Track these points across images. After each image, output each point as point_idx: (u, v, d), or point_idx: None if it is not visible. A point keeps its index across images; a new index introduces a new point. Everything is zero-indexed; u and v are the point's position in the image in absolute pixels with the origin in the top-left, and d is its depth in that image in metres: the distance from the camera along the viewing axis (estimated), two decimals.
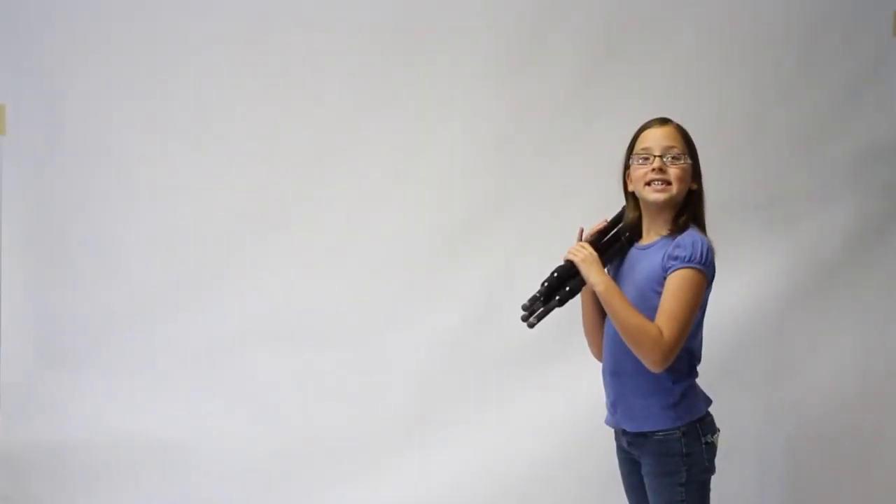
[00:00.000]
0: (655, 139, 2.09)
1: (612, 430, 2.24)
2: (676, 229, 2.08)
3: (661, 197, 2.07)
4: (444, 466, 2.98)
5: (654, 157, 2.08)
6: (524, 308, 2.10)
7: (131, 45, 2.88)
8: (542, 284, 2.11)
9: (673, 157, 2.07)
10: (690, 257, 2.00)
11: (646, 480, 2.13)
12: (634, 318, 2.00)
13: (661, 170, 2.07)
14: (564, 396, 2.98)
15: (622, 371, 2.11)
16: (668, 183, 2.07)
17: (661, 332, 1.98)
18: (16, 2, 2.87)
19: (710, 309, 2.13)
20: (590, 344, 2.26)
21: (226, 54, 2.90)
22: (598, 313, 2.19)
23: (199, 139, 2.91)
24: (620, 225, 2.20)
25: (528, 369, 3.00)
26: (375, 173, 2.97)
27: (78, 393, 2.91)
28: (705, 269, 2.02)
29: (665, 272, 2.02)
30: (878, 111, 3.01)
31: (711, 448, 2.10)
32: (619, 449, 2.23)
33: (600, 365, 2.23)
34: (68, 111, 2.90)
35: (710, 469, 2.10)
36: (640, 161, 2.10)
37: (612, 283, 2.05)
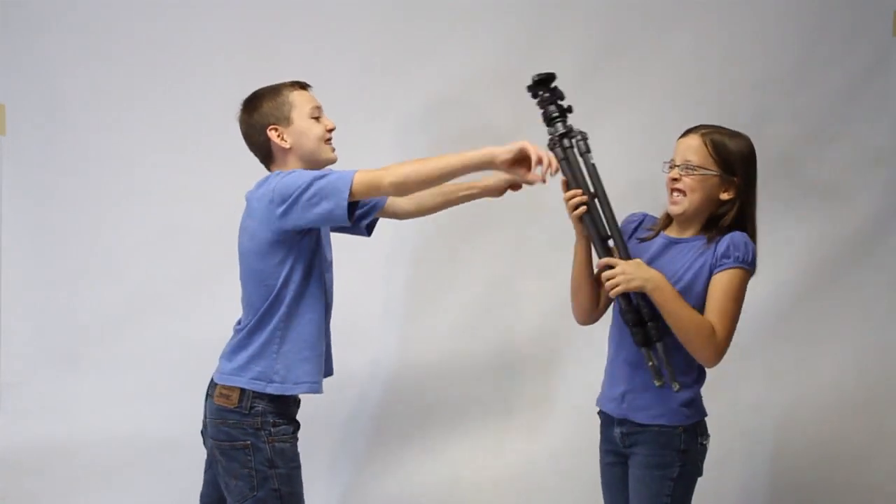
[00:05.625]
0: (677, 149, 2.11)
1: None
2: (718, 233, 2.07)
3: (673, 209, 2.10)
4: (444, 467, 2.98)
5: (675, 166, 2.09)
6: (657, 383, 2.06)
7: (132, 45, 2.88)
8: (640, 350, 2.07)
9: (688, 168, 2.06)
10: (743, 258, 2.03)
11: (635, 472, 2.12)
12: (688, 313, 2.01)
13: (676, 179, 2.08)
14: (563, 397, 2.98)
15: (641, 363, 2.10)
16: (684, 193, 2.08)
17: (714, 329, 2.00)
18: (15, 2, 2.86)
19: None
20: (574, 303, 2.22)
21: (226, 55, 2.90)
22: (588, 267, 2.16)
23: (199, 139, 2.90)
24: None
25: (528, 369, 3.01)
26: None
27: (78, 393, 2.91)
28: (752, 272, 2.06)
29: (712, 270, 2.04)
30: (878, 111, 3.01)
31: (704, 450, 2.13)
32: (605, 440, 2.22)
33: (598, 365, 2.23)
34: (68, 111, 2.89)
35: (699, 470, 2.13)
36: (667, 168, 2.12)
37: (659, 278, 2.02)
